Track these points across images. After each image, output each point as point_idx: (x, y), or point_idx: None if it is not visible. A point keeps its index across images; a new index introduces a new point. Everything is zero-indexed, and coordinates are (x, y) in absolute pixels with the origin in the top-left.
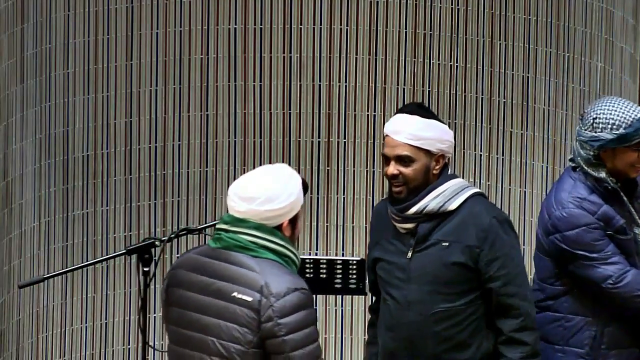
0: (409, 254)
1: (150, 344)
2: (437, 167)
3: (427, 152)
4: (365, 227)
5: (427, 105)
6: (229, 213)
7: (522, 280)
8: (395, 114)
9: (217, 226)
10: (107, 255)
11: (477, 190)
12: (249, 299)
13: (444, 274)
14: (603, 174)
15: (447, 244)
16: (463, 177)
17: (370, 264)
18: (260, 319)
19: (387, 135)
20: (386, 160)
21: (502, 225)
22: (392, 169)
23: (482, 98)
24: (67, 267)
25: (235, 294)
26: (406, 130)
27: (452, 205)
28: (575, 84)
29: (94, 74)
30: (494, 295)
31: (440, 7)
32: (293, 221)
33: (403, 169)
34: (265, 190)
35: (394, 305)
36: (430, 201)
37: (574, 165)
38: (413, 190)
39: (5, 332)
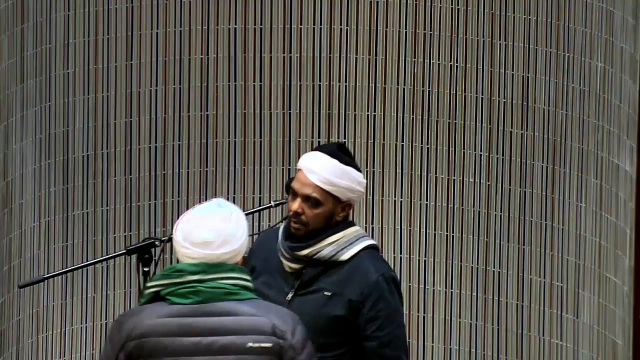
0: (289, 296)
1: None
2: (341, 214)
3: (336, 199)
4: (365, 227)
5: (427, 105)
6: (189, 263)
7: (399, 345)
8: (314, 150)
9: (185, 279)
10: (107, 255)
11: (372, 242)
12: (268, 344)
13: (320, 324)
14: None
15: (329, 294)
16: (463, 178)
17: None
18: None
19: (299, 170)
20: (293, 193)
21: (388, 284)
22: (297, 206)
23: (482, 98)
24: (67, 267)
25: (250, 344)
26: (321, 173)
27: (344, 256)
28: (575, 84)
29: (94, 74)
30: (367, 353)
31: (440, 7)
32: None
33: (307, 210)
34: (219, 233)
35: None
36: (324, 248)
37: None
38: (311, 232)
39: (5, 332)
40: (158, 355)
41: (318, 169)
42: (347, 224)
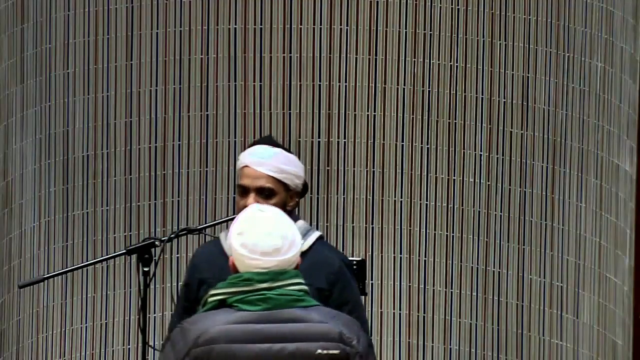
0: None
1: (150, 344)
2: (291, 204)
3: (286, 187)
4: (365, 227)
5: (427, 105)
6: (256, 272)
7: (366, 327)
8: (251, 145)
9: (254, 287)
10: (107, 255)
11: (320, 233)
12: (336, 351)
13: None
14: None
15: None
16: (463, 178)
17: (189, 305)
18: None
19: (246, 166)
20: (244, 191)
21: (349, 269)
22: (252, 200)
23: (482, 98)
24: (67, 267)
25: (319, 351)
26: (269, 163)
27: (303, 247)
28: (575, 84)
29: (94, 74)
30: None
31: (440, 7)
32: None
33: (263, 202)
34: (283, 238)
35: None
36: None
37: None
38: None
39: (5, 332)
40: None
41: (266, 160)
42: (296, 216)
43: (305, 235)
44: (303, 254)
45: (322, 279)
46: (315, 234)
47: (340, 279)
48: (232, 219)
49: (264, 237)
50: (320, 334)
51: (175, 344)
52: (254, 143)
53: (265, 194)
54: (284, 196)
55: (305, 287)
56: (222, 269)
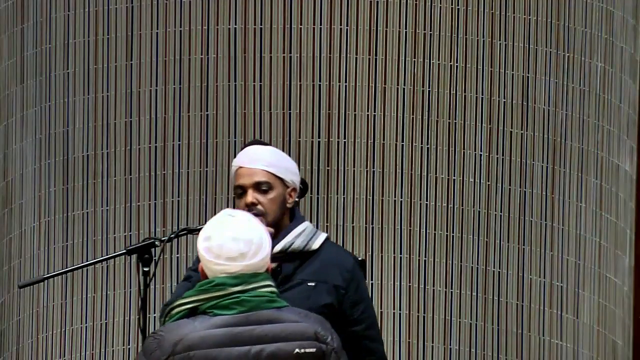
0: None
1: None
2: (290, 200)
3: (282, 182)
4: (365, 227)
5: (427, 105)
6: (228, 276)
7: (378, 326)
8: (243, 148)
9: (227, 291)
10: (107, 255)
11: (327, 234)
12: (313, 349)
13: None
14: None
15: (313, 284)
16: (463, 178)
17: None
18: None
19: (240, 167)
20: (242, 192)
21: (360, 269)
22: (251, 197)
23: (482, 98)
24: (67, 267)
25: (297, 350)
26: (262, 159)
27: (315, 245)
28: (575, 84)
29: (94, 74)
30: (354, 338)
31: (440, 7)
32: None
33: (261, 197)
34: (250, 242)
35: None
36: (295, 239)
37: None
38: (271, 223)
39: (5, 332)
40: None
41: (259, 157)
42: (302, 217)
43: (313, 236)
44: (313, 254)
45: (338, 277)
46: (323, 235)
47: (354, 277)
48: None
49: (229, 242)
50: (297, 333)
51: (151, 353)
52: (244, 146)
53: (262, 189)
54: (281, 190)
55: (275, 289)
56: None
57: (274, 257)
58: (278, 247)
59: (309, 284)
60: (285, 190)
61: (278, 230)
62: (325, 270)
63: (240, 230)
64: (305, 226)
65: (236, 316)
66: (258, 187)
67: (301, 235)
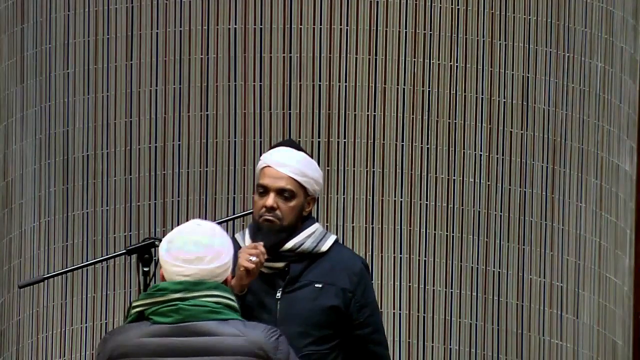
0: (278, 294)
1: None
2: (308, 209)
3: (305, 191)
4: (365, 227)
5: (427, 105)
6: (172, 281)
7: (383, 330)
8: (274, 146)
9: (167, 297)
10: (107, 255)
11: (336, 236)
12: None
13: (316, 317)
14: None
15: (320, 285)
16: (463, 178)
17: None
18: None
19: (268, 166)
20: (264, 191)
21: (368, 272)
22: (272, 201)
23: (482, 98)
24: (67, 267)
25: None
26: (291, 165)
27: (324, 247)
28: (575, 84)
29: (94, 74)
30: (359, 342)
31: (440, 7)
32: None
33: (282, 204)
34: (210, 247)
35: None
36: (306, 240)
37: None
38: (286, 228)
39: (5, 332)
40: None
41: (288, 162)
42: (313, 219)
43: (322, 238)
44: (322, 255)
45: (346, 280)
46: (332, 237)
47: (361, 280)
48: (232, 219)
49: (189, 245)
50: (233, 347)
51: (98, 354)
52: (277, 145)
53: (285, 196)
54: (302, 200)
55: (225, 301)
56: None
57: (283, 256)
58: (288, 246)
59: (316, 285)
60: (306, 199)
61: (290, 233)
62: (333, 273)
63: (202, 236)
64: (316, 227)
65: (173, 326)
66: (281, 192)
67: (311, 236)
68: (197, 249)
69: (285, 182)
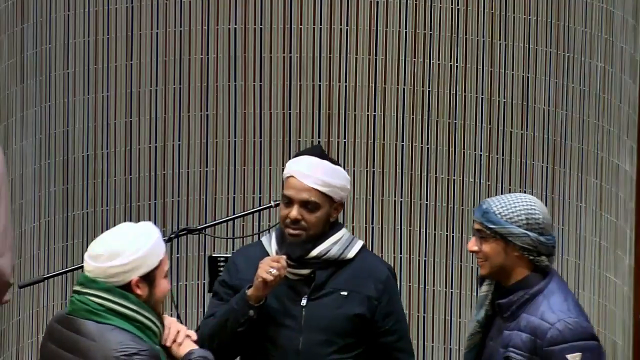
0: (304, 301)
1: None
2: (335, 215)
3: (330, 200)
4: (365, 227)
5: (427, 105)
6: (83, 273)
7: (409, 338)
8: (297, 155)
9: (74, 288)
10: None
11: (363, 242)
12: None
13: (341, 325)
14: None
15: (345, 293)
16: (463, 178)
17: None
18: None
19: (292, 176)
20: (289, 202)
21: (394, 279)
22: (297, 213)
23: (482, 98)
24: (67, 267)
25: None
26: (316, 176)
27: (350, 254)
28: (575, 84)
29: (94, 74)
30: (384, 350)
31: (440, 7)
32: (149, 281)
33: (307, 216)
34: (109, 246)
35: (279, 353)
36: (332, 247)
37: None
38: (312, 238)
39: (5, 332)
40: (44, 356)
41: (312, 172)
42: (340, 224)
43: (349, 244)
44: (349, 262)
45: (371, 287)
46: (359, 243)
47: (387, 289)
48: (232, 219)
49: (98, 241)
50: (89, 354)
51: None
52: (302, 153)
53: (309, 207)
54: (327, 209)
55: (109, 304)
56: (251, 274)
57: (309, 263)
58: (314, 253)
59: (342, 293)
60: (332, 206)
61: (316, 241)
62: (359, 281)
63: (114, 236)
64: (343, 234)
65: (66, 316)
66: (305, 204)
67: (337, 243)
68: (98, 247)
69: (309, 194)
